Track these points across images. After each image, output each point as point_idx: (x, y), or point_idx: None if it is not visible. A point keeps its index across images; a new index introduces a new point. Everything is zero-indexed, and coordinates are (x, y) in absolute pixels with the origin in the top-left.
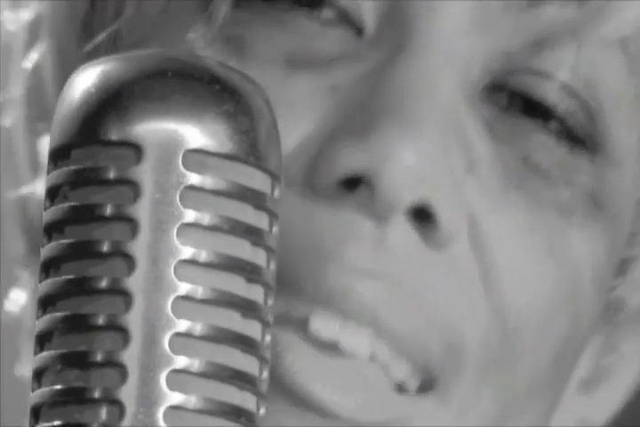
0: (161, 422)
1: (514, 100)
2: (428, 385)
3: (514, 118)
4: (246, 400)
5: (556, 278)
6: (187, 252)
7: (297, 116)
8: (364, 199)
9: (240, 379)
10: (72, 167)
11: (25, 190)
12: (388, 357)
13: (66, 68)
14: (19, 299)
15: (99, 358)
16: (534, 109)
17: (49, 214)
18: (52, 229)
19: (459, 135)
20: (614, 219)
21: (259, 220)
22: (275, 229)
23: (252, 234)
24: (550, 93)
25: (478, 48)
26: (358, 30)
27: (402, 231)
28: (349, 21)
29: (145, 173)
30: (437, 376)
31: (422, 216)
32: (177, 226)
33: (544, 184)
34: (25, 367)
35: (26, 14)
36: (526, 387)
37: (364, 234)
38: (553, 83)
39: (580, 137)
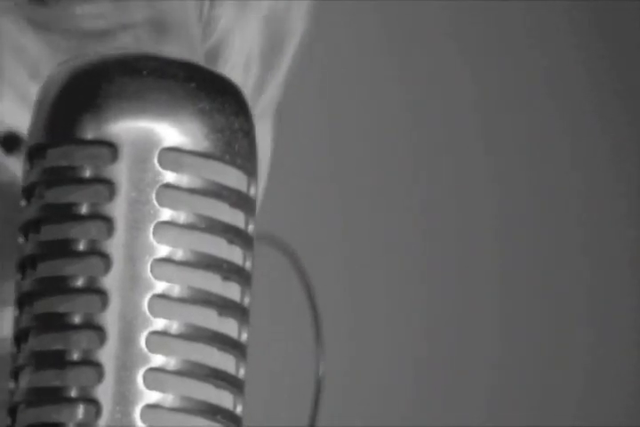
0: (138, 420)
1: None
2: None
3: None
4: (223, 398)
5: None
6: (163, 250)
7: None
8: None
9: (216, 377)
10: (48, 166)
11: None
12: None
13: None
14: None
15: (75, 356)
16: None
17: (25, 213)
18: (29, 228)
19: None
20: (186, 36)
21: (235, 217)
22: (251, 226)
23: (228, 232)
24: None
25: None
26: None
27: None
28: None
29: (121, 172)
30: None
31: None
32: (153, 224)
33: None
34: None
35: None
36: None
37: None
38: None
39: None
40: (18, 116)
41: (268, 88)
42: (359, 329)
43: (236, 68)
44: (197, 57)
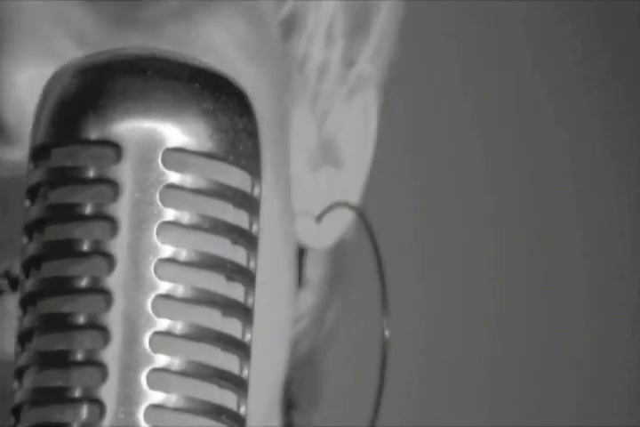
0: (141, 420)
1: None
2: None
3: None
4: (227, 399)
5: None
6: (167, 250)
7: None
8: None
9: (220, 377)
10: (52, 166)
11: None
12: None
13: None
14: None
15: (79, 357)
16: None
17: (29, 214)
18: (33, 229)
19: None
20: (247, 3)
21: (239, 218)
22: (255, 226)
23: (232, 232)
24: None
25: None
26: None
27: None
28: None
29: (125, 172)
30: None
31: None
32: (157, 225)
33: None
34: None
35: None
36: None
37: None
38: None
39: None
40: None
41: (359, 62)
42: (425, 298)
43: (316, 39)
44: (260, 25)
